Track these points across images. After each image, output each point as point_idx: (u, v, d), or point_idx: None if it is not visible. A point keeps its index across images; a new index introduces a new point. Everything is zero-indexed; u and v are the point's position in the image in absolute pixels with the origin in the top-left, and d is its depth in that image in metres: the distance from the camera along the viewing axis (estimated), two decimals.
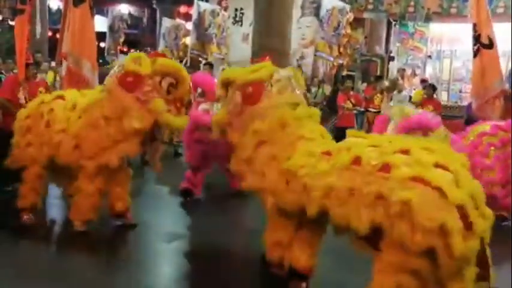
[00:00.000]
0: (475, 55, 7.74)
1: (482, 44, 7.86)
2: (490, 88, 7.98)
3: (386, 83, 8.91)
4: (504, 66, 9.68)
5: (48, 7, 14.01)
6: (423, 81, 11.04)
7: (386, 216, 2.40)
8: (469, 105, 8.97)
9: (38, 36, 9.52)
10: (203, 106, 5.19)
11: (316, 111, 3.28)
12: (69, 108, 4.23)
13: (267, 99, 3.12)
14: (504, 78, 8.30)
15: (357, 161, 2.61)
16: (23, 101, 5.13)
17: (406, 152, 2.53)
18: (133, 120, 3.88)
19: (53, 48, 8.93)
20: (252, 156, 3.11)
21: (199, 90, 5.38)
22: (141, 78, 3.88)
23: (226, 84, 3.40)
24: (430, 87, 8.65)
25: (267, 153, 3.04)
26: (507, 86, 10.01)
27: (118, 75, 3.99)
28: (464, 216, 2.31)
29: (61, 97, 4.43)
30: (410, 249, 2.32)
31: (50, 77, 7.31)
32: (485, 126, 5.26)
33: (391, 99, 8.56)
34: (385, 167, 2.48)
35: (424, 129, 4.63)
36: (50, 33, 13.73)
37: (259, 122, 3.08)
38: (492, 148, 5.21)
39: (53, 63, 8.37)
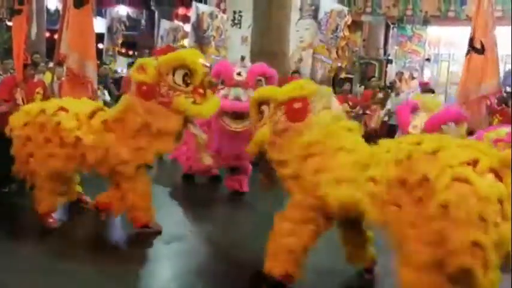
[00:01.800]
0: (466, 55, 7.95)
1: (474, 48, 7.97)
2: (470, 90, 8.11)
3: (380, 95, 8.96)
4: (501, 69, 9.73)
5: (46, 8, 13.99)
6: (423, 84, 11.05)
7: None
8: None
9: (33, 37, 9.48)
10: (222, 92, 5.24)
11: (357, 125, 3.26)
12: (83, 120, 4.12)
13: (314, 115, 3.15)
14: (497, 82, 8.38)
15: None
16: (20, 101, 5.11)
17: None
18: (162, 123, 3.85)
19: (50, 49, 8.92)
20: (298, 170, 3.11)
21: (220, 78, 5.39)
22: (152, 84, 3.85)
23: (260, 104, 3.39)
24: (429, 91, 8.67)
25: (316, 164, 3.03)
26: (503, 88, 10.10)
27: (133, 89, 3.97)
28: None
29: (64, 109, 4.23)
30: None
31: (47, 77, 7.30)
32: (501, 132, 5.16)
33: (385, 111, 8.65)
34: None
35: (457, 122, 4.65)
36: (47, 34, 13.71)
37: (308, 135, 3.09)
38: None
39: (51, 64, 8.36)
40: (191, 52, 4.13)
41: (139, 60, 4.16)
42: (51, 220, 4.29)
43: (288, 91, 3.27)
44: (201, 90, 3.90)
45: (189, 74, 3.84)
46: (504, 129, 5.20)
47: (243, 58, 5.49)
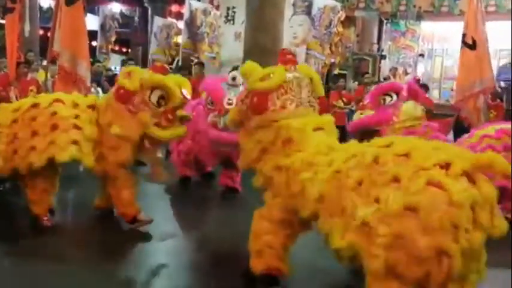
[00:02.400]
0: (460, 51, 8.06)
1: (466, 44, 8.05)
2: (466, 87, 8.21)
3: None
4: (495, 64, 9.78)
5: (39, 6, 13.90)
6: (416, 80, 11.09)
7: None
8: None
9: (26, 35, 9.43)
10: (211, 117, 5.23)
11: (328, 119, 3.18)
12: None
13: (271, 113, 3.06)
14: (491, 77, 8.43)
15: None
16: (14, 99, 5.10)
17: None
18: (118, 128, 3.98)
19: (44, 47, 8.88)
20: (255, 160, 3.14)
21: (209, 98, 5.39)
22: (130, 92, 4.00)
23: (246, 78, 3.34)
24: (423, 87, 8.70)
25: (270, 162, 3.04)
26: (497, 84, 10.16)
27: (113, 89, 4.17)
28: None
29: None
30: None
31: (41, 75, 7.27)
32: (491, 130, 5.19)
33: None
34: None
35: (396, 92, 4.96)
36: (41, 32, 13.62)
37: (263, 133, 3.07)
38: (490, 150, 5.17)
39: (44, 62, 8.33)
40: (179, 80, 4.21)
41: (131, 68, 4.34)
42: (46, 219, 4.28)
43: (256, 78, 3.13)
44: (170, 116, 4.04)
45: (165, 97, 4.00)
46: (493, 127, 5.25)
47: (234, 78, 5.29)
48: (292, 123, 3.00)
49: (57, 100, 4.17)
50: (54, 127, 4.00)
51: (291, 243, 3.16)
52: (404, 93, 5.05)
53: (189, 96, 4.18)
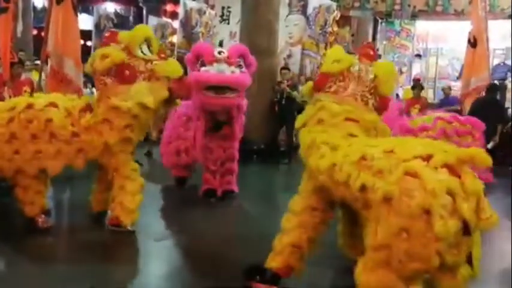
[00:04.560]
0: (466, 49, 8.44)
1: (469, 41, 8.12)
2: (467, 84, 8.30)
3: None
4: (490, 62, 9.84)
5: (33, 5, 13.83)
6: (416, 80, 11.11)
7: None
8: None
9: (19, 34, 9.39)
10: (203, 69, 5.02)
11: (372, 117, 3.16)
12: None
13: (322, 94, 3.19)
14: (487, 75, 8.50)
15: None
16: (8, 100, 5.06)
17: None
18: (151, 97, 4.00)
19: (38, 47, 8.83)
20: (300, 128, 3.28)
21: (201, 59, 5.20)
22: (122, 65, 3.97)
23: None
24: (418, 87, 8.73)
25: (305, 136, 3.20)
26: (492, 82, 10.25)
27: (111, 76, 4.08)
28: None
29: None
30: None
31: (34, 75, 7.24)
32: (446, 114, 5.27)
33: None
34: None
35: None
36: (35, 32, 13.55)
37: (308, 108, 3.24)
38: (443, 135, 5.25)
39: (37, 62, 8.28)
40: (141, 27, 4.44)
41: (102, 50, 4.15)
42: (41, 220, 4.22)
43: (328, 62, 3.26)
44: (163, 55, 4.21)
45: (150, 44, 4.12)
46: (430, 116, 5.34)
47: (221, 43, 5.36)
48: (330, 106, 3.09)
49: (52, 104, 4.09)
50: (51, 136, 3.98)
51: (318, 235, 3.16)
52: None
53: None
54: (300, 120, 3.28)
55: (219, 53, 5.08)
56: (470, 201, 2.33)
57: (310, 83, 3.39)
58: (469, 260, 2.47)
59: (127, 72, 3.95)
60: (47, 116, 3.98)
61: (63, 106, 4.07)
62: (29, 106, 4.05)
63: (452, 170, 2.39)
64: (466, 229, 2.34)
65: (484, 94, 8.40)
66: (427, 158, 2.43)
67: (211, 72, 4.90)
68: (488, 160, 2.40)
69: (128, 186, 4.15)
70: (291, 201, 3.23)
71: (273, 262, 3.12)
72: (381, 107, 3.20)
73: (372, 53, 3.36)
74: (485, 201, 2.41)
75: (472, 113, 7.75)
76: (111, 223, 4.22)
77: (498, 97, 8.19)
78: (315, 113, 3.14)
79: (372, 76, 3.17)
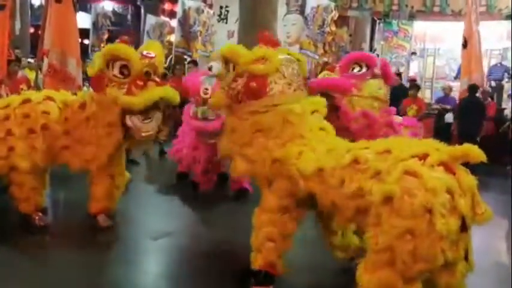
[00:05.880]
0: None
1: (462, 43, 8.22)
2: (462, 83, 8.40)
3: None
4: (485, 64, 9.87)
5: (30, 3, 13.80)
6: (411, 80, 11.13)
7: None
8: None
9: (17, 32, 9.38)
10: (191, 110, 5.30)
11: (320, 101, 3.20)
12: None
13: (269, 98, 3.02)
14: (480, 76, 8.60)
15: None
16: (5, 97, 5.05)
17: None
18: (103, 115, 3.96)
19: (35, 44, 8.83)
20: (247, 143, 3.07)
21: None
22: (98, 76, 3.91)
23: (227, 62, 3.21)
24: (415, 87, 8.75)
25: (262, 144, 3.02)
26: (488, 83, 10.32)
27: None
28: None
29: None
30: None
31: (30, 73, 7.22)
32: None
33: None
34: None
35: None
36: (32, 30, 13.53)
37: (260, 118, 3.02)
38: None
39: (30, 60, 8.28)
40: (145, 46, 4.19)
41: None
42: (37, 218, 4.22)
43: (250, 60, 3.06)
44: (139, 82, 3.85)
45: (127, 65, 3.86)
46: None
47: (210, 68, 5.35)
48: (294, 108, 3.00)
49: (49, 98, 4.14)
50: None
51: (291, 231, 3.14)
52: (377, 70, 4.78)
53: (152, 54, 3.98)
54: (240, 138, 3.07)
55: (205, 91, 5.07)
56: (467, 197, 2.38)
57: (218, 93, 3.21)
58: (466, 256, 2.49)
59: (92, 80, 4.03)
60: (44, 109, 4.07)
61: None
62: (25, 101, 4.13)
63: (447, 167, 2.43)
64: (463, 225, 2.38)
65: (482, 97, 8.48)
66: (424, 157, 2.46)
67: (198, 118, 5.16)
68: (482, 155, 2.44)
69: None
70: (263, 197, 3.17)
71: (257, 261, 3.12)
72: (311, 89, 3.33)
73: (274, 38, 3.32)
74: (479, 196, 2.46)
75: (458, 112, 8.01)
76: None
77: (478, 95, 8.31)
78: (275, 120, 2.97)
79: (296, 61, 3.15)
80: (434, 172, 2.38)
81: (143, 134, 3.91)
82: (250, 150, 3.04)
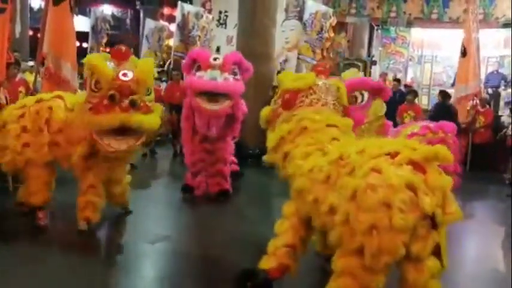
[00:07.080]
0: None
1: (461, 50, 8.31)
2: (457, 92, 8.50)
3: None
4: (482, 71, 9.93)
5: (30, 6, 13.83)
6: (406, 86, 11.19)
7: None
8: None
9: (17, 35, 9.39)
10: (197, 74, 5.19)
11: (346, 121, 3.36)
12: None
13: (297, 108, 3.33)
14: (477, 83, 8.70)
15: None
16: (3, 101, 5.05)
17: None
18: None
19: (34, 47, 8.83)
20: (273, 150, 3.39)
21: (196, 63, 5.34)
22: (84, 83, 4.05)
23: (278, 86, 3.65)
24: (412, 93, 8.79)
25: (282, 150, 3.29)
26: (485, 90, 10.38)
27: None
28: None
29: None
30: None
31: (28, 76, 7.23)
32: (415, 127, 5.29)
33: None
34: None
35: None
36: (31, 33, 13.54)
37: (283, 125, 3.33)
38: None
39: (31, 63, 8.28)
40: (138, 62, 3.96)
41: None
42: (41, 215, 4.28)
43: (289, 80, 3.48)
44: (105, 102, 3.65)
45: (100, 81, 3.75)
46: (417, 125, 5.39)
47: (218, 48, 5.44)
48: (308, 114, 3.25)
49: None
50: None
51: (309, 236, 3.24)
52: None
53: (128, 77, 3.71)
54: (272, 138, 3.39)
55: (214, 59, 5.20)
56: (436, 195, 2.47)
57: (267, 108, 3.57)
58: (438, 253, 2.56)
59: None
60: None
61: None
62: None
63: (418, 166, 2.52)
64: (433, 223, 2.47)
65: (480, 104, 8.57)
66: (395, 155, 2.58)
67: (205, 78, 5.05)
68: (449, 157, 2.55)
69: None
70: (284, 206, 3.27)
71: (267, 263, 3.14)
72: (344, 114, 3.45)
73: (324, 69, 3.72)
74: (451, 196, 2.55)
75: (432, 117, 8.02)
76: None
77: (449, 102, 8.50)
78: (295, 126, 3.25)
79: (335, 88, 3.45)
80: (399, 170, 2.50)
81: (110, 150, 3.79)
82: (276, 156, 3.37)
